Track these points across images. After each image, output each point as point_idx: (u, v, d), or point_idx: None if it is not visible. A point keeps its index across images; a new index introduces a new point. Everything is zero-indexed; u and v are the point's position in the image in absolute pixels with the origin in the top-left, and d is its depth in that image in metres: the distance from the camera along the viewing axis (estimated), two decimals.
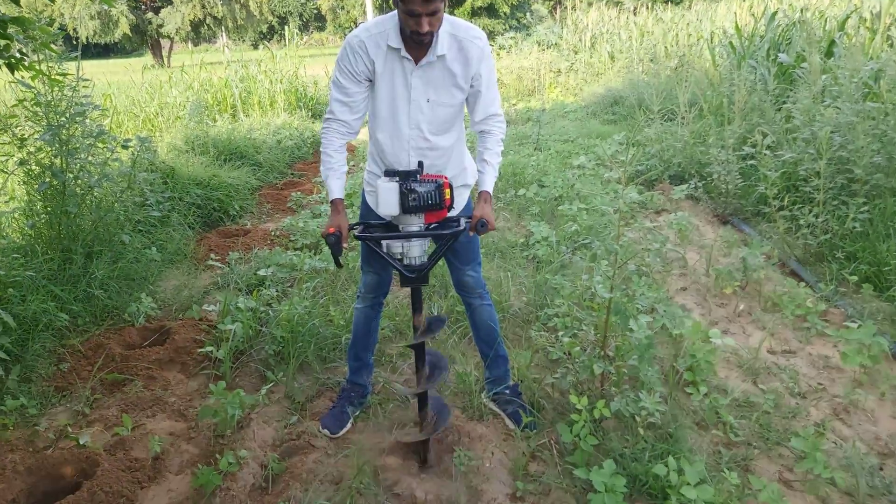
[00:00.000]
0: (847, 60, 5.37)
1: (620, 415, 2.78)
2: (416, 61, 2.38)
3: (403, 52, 2.36)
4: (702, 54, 11.78)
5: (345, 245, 2.38)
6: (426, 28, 2.22)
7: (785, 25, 8.55)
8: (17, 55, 3.68)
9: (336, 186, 2.51)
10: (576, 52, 16.72)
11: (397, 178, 2.34)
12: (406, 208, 2.34)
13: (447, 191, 2.35)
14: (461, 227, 2.47)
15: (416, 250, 2.43)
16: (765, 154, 4.84)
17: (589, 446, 2.59)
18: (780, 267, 4.58)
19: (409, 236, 2.41)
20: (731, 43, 9.16)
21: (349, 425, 2.91)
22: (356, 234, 2.44)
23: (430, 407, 2.56)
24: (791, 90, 6.46)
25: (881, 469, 2.58)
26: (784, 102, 6.33)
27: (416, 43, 2.33)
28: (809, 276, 4.33)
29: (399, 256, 2.43)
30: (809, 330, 3.68)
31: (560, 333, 3.36)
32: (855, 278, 4.03)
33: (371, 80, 2.46)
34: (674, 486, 2.30)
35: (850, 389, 3.07)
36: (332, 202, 2.50)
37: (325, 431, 2.87)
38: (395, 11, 2.31)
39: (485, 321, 2.95)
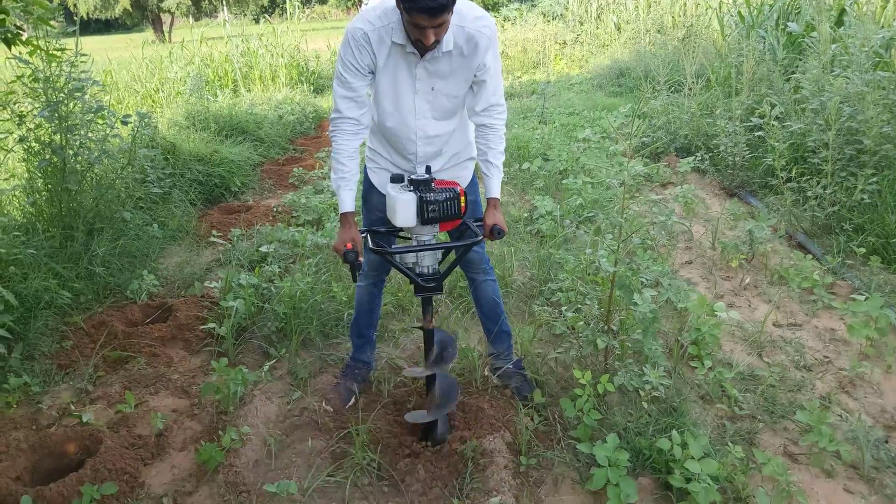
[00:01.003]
0: (857, 29, 5.25)
1: (624, 389, 2.77)
2: (422, 55, 2.28)
3: (409, 48, 2.25)
4: (710, 24, 11.59)
5: (360, 259, 2.33)
6: (432, 39, 2.14)
7: None
8: (14, 30, 3.62)
9: (348, 199, 2.41)
10: (581, 24, 16.47)
11: (410, 188, 2.28)
12: (424, 220, 2.28)
13: (462, 198, 2.32)
14: (479, 238, 2.44)
15: (429, 259, 2.41)
16: (773, 125, 4.77)
17: (592, 421, 2.58)
18: (787, 239, 4.53)
19: (425, 249, 2.37)
20: (739, 12, 8.99)
21: (353, 401, 2.89)
22: (371, 248, 2.38)
23: (437, 386, 2.54)
24: (800, 59, 6.34)
25: (887, 442, 2.56)
26: (793, 73, 6.22)
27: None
28: (816, 248, 4.28)
29: (411, 265, 2.41)
30: (816, 303, 3.64)
31: (563, 308, 3.34)
32: (863, 250, 3.98)
33: (373, 73, 2.36)
34: (678, 460, 2.29)
35: (856, 362, 3.05)
36: (342, 215, 2.41)
37: (328, 407, 2.86)
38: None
39: (489, 296, 2.92)
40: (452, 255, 2.70)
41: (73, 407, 2.93)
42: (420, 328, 2.52)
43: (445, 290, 3.75)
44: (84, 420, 2.76)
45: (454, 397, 2.57)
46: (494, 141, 2.53)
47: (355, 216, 2.44)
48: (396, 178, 2.37)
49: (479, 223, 2.53)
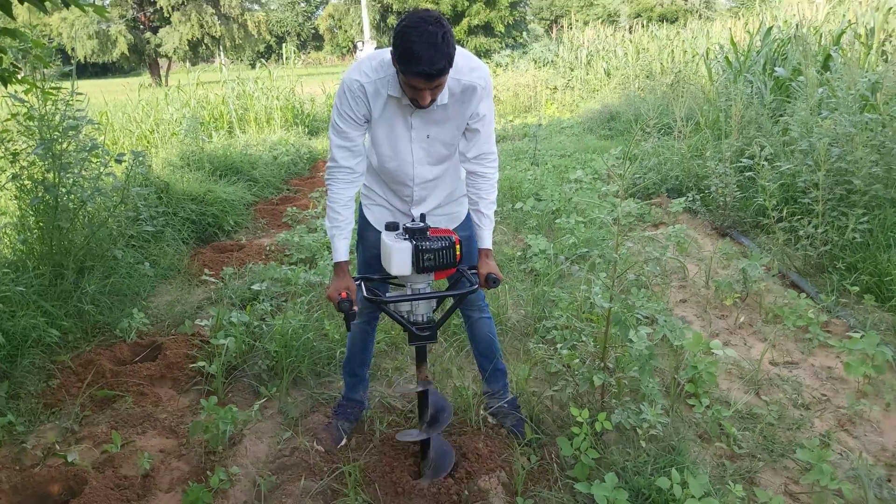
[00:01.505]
0: (844, 72, 5.37)
1: (622, 427, 2.72)
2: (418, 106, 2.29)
3: (405, 101, 2.26)
4: (697, 70, 11.84)
5: (355, 309, 2.32)
6: (428, 100, 2.16)
7: (781, 40, 8.59)
8: (11, 69, 3.65)
9: (342, 248, 2.42)
10: (572, 70, 16.81)
11: (405, 236, 2.29)
12: (420, 269, 2.28)
13: (458, 247, 2.32)
14: (474, 287, 2.43)
15: (424, 307, 2.40)
16: (763, 165, 4.82)
17: (590, 460, 2.53)
18: (780, 278, 4.54)
19: (420, 298, 2.36)
20: (727, 58, 9.20)
21: (344, 441, 2.83)
22: (366, 297, 2.37)
23: (431, 405, 2.49)
24: (788, 103, 6.46)
25: (889, 480, 2.52)
26: (781, 115, 6.33)
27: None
28: (810, 287, 4.29)
29: (405, 314, 2.39)
30: (811, 341, 3.63)
31: (559, 346, 3.31)
32: (856, 289, 3.99)
33: (368, 122, 2.38)
34: (678, 499, 2.23)
35: (854, 400, 3.02)
36: (336, 265, 2.41)
37: (319, 447, 2.79)
38: (390, 49, 2.20)
39: (484, 334, 2.89)
40: (446, 303, 2.67)
41: (58, 447, 2.85)
42: (418, 392, 2.49)
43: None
44: (69, 460, 2.69)
45: (447, 416, 2.52)
46: (486, 191, 2.53)
47: (348, 265, 2.43)
48: (391, 226, 2.37)
49: (474, 271, 2.52)
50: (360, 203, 2.72)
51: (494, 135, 2.53)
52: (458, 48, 2.21)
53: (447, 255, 2.29)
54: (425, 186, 2.50)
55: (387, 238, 2.33)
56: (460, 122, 2.37)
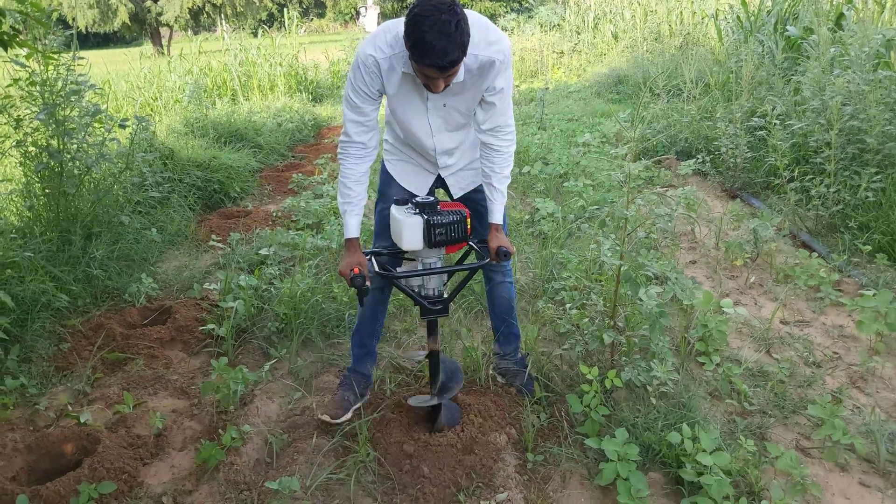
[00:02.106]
0: (858, 29, 5.25)
1: (632, 385, 2.72)
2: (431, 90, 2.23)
3: (419, 80, 2.18)
4: (707, 32, 11.63)
5: (368, 284, 2.29)
6: (442, 88, 2.11)
7: None
8: (11, 32, 3.60)
9: (354, 224, 2.38)
10: (578, 34, 16.54)
11: (416, 210, 2.26)
12: (431, 243, 2.25)
13: (468, 221, 2.30)
14: (486, 260, 2.42)
15: (435, 281, 2.38)
16: (775, 124, 4.75)
17: (600, 416, 2.53)
18: (791, 239, 4.50)
19: (432, 273, 2.34)
20: (737, 17, 9.02)
21: (350, 413, 2.71)
22: (378, 271, 2.35)
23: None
24: (800, 63, 6.34)
25: None
26: (793, 75, 6.22)
27: None
28: (821, 247, 4.25)
29: (416, 289, 2.37)
30: (823, 300, 3.60)
31: (567, 306, 3.29)
32: (868, 248, 3.95)
33: (382, 95, 2.32)
34: (689, 454, 2.24)
35: (866, 357, 3.00)
36: (348, 241, 2.38)
37: (325, 417, 2.67)
38: (404, 20, 2.12)
39: (504, 298, 2.85)
40: (457, 277, 2.65)
41: (70, 408, 2.87)
42: (427, 356, 2.49)
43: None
44: (82, 421, 2.71)
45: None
46: (500, 164, 2.46)
47: (359, 241, 2.41)
48: (401, 202, 2.35)
49: (484, 244, 2.49)
50: (383, 159, 2.68)
51: (512, 109, 2.46)
52: (476, 18, 2.14)
53: (458, 229, 2.27)
54: (448, 152, 2.49)
55: (397, 213, 2.30)
56: (477, 93, 2.32)
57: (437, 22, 1.93)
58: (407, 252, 2.39)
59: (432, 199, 2.29)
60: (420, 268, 2.38)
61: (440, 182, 2.63)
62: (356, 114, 2.31)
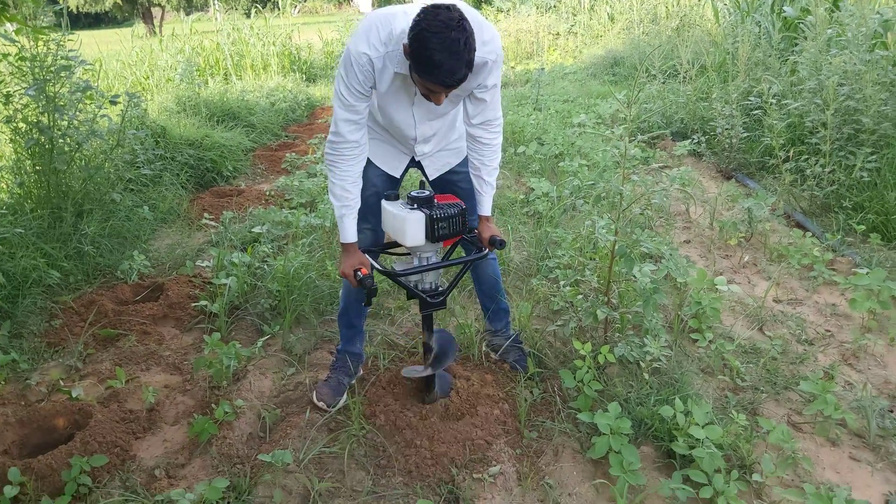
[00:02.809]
0: (856, 8, 5.22)
1: (625, 361, 2.73)
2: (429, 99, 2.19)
3: (411, 80, 2.15)
4: (703, 14, 11.54)
5: (375, 284, 2.28)
6: (443, 101, 2.08)
7: None
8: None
9: (353, 228, 2.34)
10: (575, 15, 16.40)
11: (414, 206, 2.25)
12: (434, 238, 2.24)
13: (465, 212, 2.31)
14: (484, 253, 2.44)
15: (432, 275, 2.38)
16: (771, 104, 4.73)
17: (592, 391, 2.53)
18: (785, 219, 4.50)
19: (434, 268, 2.33)
20: None
21: (345, 396, 2.69)
22: (379, 269, 2.34)
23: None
24: (796, 44, 6.31)
25: (892, 411, 2.53)
26: (789, 56, 6.19)
27: None
28: (815, 226, 4.25)
29: (413, 283, 2.36)
30: (816, 279, 3.61)
31: (562, 283, 3.29)
32: (862, 228, 3.95)
33: (373, 90, 2.28)
34: (681, 428, 2.24)
35: (858, 335, 3.01)
36: (346, 244, 2.35)
37: (322, 404, 2.65)
38: (402, 16, 2.08)
39: (488, 274, 2.84)
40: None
41: (62, 383, 2.86)
42: (425, 344, 2.49)
43: None
44: (74, 395, 2.70)
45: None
46: (489, 157, 2.46)
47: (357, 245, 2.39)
48: (391, 196, 2.34)
49: (474, 234, 2.50)
50: None
51: (500, 100, 2.43)
52: (470, 14, 2.06)
53: (459, 222, 2.27)
54: (427, 140, 2.47)
55: (393, 208, 2.28)
56: (467, 89, 2.29)
57: (446, 40, 1.88)
58: (399, 246, 2.38)
59: (427, 192, 2.28)
60: (416, 262, 2.38)
61: (413, 163, 2.59)
62: (350, 112, 2.23)
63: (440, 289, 2.40)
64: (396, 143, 2.53)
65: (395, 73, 2.16)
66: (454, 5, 1.96)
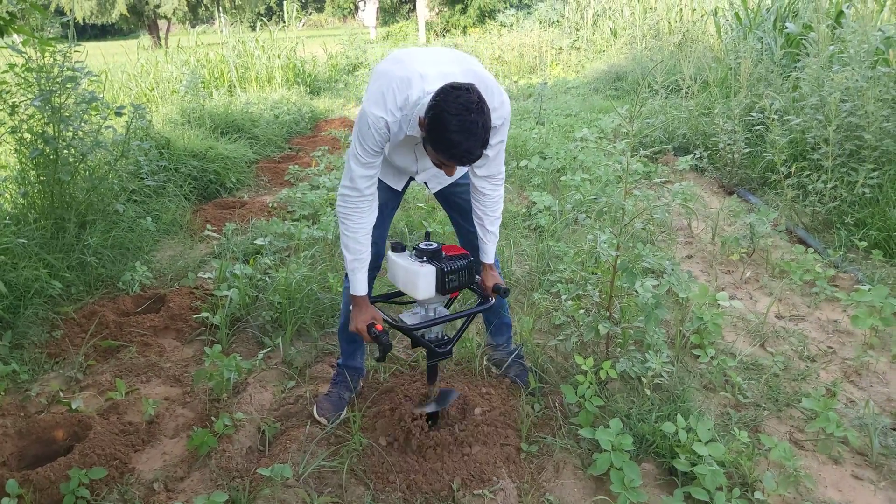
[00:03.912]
0: (858, 25, 5.24)
1: (626, 376, 2.72)
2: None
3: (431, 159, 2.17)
4: (706, 30, 11.62)
5: (391, 341, 2.28)
6: (455, 172, 2.12)
7: None
8: (7, 16, 3.57)
9: (364, 281, 2.34)
10: (578, 30, 16.50)
11: (423, 259, 2.26)
12: (444, 290, 2.25)
13: (473, 264, 2.33)
14: (489, 303, 2.46)
15: (439, 325, 2.39)
16: (773, 119, 4.74)
17: (594, 407, 2.52)
18: (788, 235, 4.50)
19: (445, 320, 2.35)
20: (736, 14, 9.01)
21: (345, 412, 2.68)
22: (392, 323, 2.32)
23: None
24: (798, 60, 6.33)
25: (894, 429, 2.51)
26: (791, 72, 6.21)
27: None
28: (817, 242, 4.24)
29: (420, 333, 2.37)
30: (818, 295, 3.60)
31: (563, 297, 3.29)
32: (864, 244, 3.95)
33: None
34: (683, 445, 2.23)
35: (861, 352, 3.00)
36: (358, 298, 2.33)
37: (322, 419, 2.64)
38: (418, 81, 2.09)
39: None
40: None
41: (62, 394, 2.86)
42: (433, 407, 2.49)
43: None
44: (73, 407, 2.69)
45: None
46: (492, 208, 2.49)
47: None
48: (398, 248, 2.35)
49: (477, 279, 2.51)
50: None
51: (504, 156, 2.45)
52: (482, 80, 2.09)
53: (469, 274, 2.29)
54: (428, 168, 2.47)
55: (402, 261, 2.29)
56: None
57: (466, 122, 1.90)
58: (403, 295, 2.40)
59: (434, 245, 2.29)
60: (422, 311, 2.39)
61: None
62: (366, 168, 2.23)
63: (446, 338, 2.42)
64: (399, 169, 2.55)
65: (407, 134, 2.18)
66: (472, 85, 1.96)
